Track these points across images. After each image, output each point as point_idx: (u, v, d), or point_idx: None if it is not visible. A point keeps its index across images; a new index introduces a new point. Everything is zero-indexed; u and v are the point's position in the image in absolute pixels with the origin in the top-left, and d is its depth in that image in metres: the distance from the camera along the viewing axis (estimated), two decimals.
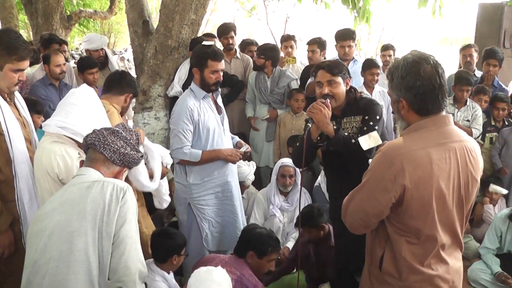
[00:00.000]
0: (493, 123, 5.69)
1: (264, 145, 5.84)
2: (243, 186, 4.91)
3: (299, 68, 6.52)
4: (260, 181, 5.87)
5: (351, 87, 3.51)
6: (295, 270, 4.60)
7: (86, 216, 2.20)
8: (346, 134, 3.37)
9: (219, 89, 4.16)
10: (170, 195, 3.83)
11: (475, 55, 6.33)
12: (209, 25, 20.31)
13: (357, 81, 5.57)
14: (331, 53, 6.51)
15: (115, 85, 3.70)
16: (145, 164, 3.22)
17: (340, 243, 3.82)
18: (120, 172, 2.53)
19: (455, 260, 2.32)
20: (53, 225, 2.22)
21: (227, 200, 4.23)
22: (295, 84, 5.79)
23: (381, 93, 5.60)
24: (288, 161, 4.94)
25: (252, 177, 4.90)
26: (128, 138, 2.53)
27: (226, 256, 3.71)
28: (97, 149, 2.42)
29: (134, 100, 5.50)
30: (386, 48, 7.50)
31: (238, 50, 6.48)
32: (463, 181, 2.19)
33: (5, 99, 3.10)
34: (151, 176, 3.24)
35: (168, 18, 5.20)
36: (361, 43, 16.26)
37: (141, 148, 2.79)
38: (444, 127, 2.17)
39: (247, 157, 4.47)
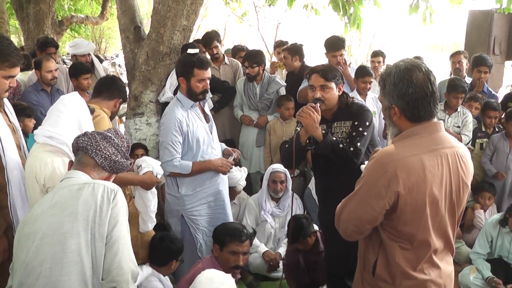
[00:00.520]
0: (483, 129, 5.74)
1: (254, 150, 5.85)
2: (234, 191, 4.90)
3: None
4: (251, 186, 5.87)
5: (343, 92, 3.55)
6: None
7: (78, 218, 2.21)
8: (334, 138, 3.40)
9: (206, 97, 4.11)
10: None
11: (465, 62, 6.41)
12: (200, 30, 20.33)
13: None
14: (321, 61, 6.52)
15: (105, 90, 3.74)
16: None
17: (329, 247, 3.84)
18: (109, 177, 2.55)
19: (446, 264, 2.34)
20: (45, 227, 2.22)
21: (220, 209, 4.21)
22: (283, 91, 5.80)
23: (373, 99, 5.63)
24: (279, 167, 4.94)
25: (243, 183, 4.90)
26: (120, 145, 2.53)
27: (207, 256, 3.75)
28: (89, 154, 2.43)
29: (125, 105, 5.54)
30: (376, 54, 7.54)
31: (226, 56, 6.47)
32: (454, 187, 2.22)
33: None
34: None
35: (160, 24, 5.19)
36: (352, 49, 16.33)
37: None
38: (435, 134, 2.19)
39: (236, 162, 4.46)
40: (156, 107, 5.40)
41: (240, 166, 5.05)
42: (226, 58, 6.31)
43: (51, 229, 2.21)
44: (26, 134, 4.29)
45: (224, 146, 4.36)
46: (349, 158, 3.36)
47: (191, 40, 5.81)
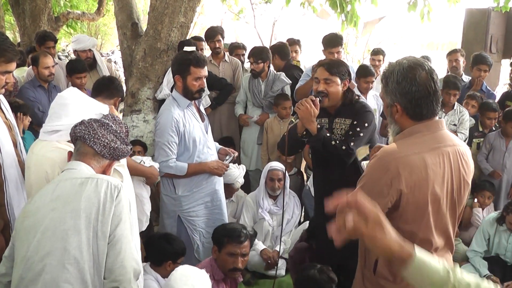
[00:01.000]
0: (480, 128, 5.74)
1: (255, 148, 5.84)
2: (232, 188, 4.90)
3: None
4: (249, 184, 5.86)
5: (348, 88, 3.54)
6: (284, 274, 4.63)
7: (80, 214, 2.19)
8: (328, 135, 3.41)
9: (203, 95, 4.07)
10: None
11: (462, 60, 6.41)
12: (196, 27, 20.28)
13: None
14: (318, 58, 6.51)
15: (105, 89, 3.77)
16: None
17: (322, 241, 3.78)
18: (110, 165, 2.52)
19: (446, 262, 2.34)
20: (47, 222, 2.20)
21: (217, 209, 4.18)
22: (288, 89, 5.79)
23: (374, 97, 5.64)
24: (277, 164, 4.94)
25: (241, 180, 4.88)
26: (118, 132, 2.50)
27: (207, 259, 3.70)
28: (87, 143, 2.39)
29: (122, 102, 5.50)
30: (376, 52, 7.53)
31: (227, 54, 6.46)
32: (456, 185, 2.22)
33: None
34: None
35: (157, 21, 5.17)
36: (348, 47, 16.33)
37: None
38: (437, 132, 2.20)
39: (235, 160, 4.44)
40: (153, 104, 5.38)
41: (239, 164, 5.04)
42: (226, 55, 6.30)
43: (53, 224, 2.19)
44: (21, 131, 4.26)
45: (218, 145, 4.33)
46: (339, 155, 3.38)
47: (187, 37, 5.79)
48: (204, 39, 6.41)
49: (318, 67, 3.57)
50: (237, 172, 4.74)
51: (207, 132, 4.07)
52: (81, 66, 5.52)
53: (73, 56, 8.02)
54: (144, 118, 5.33)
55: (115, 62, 17.27)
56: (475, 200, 5.42)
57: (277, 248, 4.79)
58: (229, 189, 4.80)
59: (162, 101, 5.00)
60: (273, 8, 17.75)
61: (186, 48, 3.94)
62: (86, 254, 2.17)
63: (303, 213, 5.47)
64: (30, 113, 4.68)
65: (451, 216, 2.27)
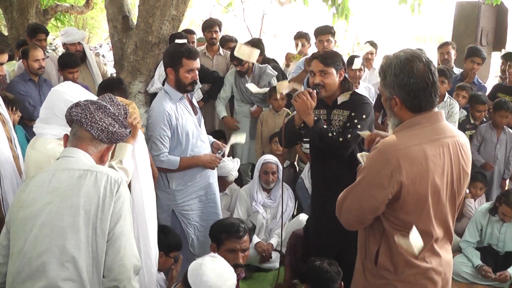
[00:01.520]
0: (472, 121, 5.78)
1: (247, 141, 5.79)
2: (226, 181, 4.89)
3: None
4: (240, 177, 5.83)
5: (345, 78, 3.54)
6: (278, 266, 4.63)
7: (79, 211, 2.13)
8: (325, 127, 3.41)
9: (194, 89, 4.01)
10: None
11: (453, 53, 6.44)
12: (185, 21, 20.18)
13: None
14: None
15: (115, 89, 3.70)
16: None
17: (319, 233, 3.78)
18: (108, 149, 2.43)
19: (446, 253, 2.37)
20: (44, 216, 2.14)
21: (211, 203, 4.14)
22: (275, 81, 5.76)
23: (366, 88, 5.64)
24: (270, 158, 4.94)
25: (236, 173, 4.87)
26: (117, 114, 2.38)
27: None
28: (84, 127, 2.27)
29: None
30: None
31: (221, 48, 6.42)
32: (455, 176, 2.24)
33: None
34: None
35: (149, 14, 5.13)
36: (338, 40, 16.33)
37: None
38: (437, 123, 2.21)
39: (229, 153, 4.42)
40: (145, 98, 5.34)
41: (234, 157, 5.02)
42: (221, 49, 6.27)
43: (50, 220, 2.13)
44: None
45: (211, 138, 4.30)
46: (336, 147, 3.37)
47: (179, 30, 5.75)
48: (194, 32, 6.38)
49: (311, 60, 3.56)
50: (231, 165, 4.73)
51: (200, 125, 4.03)
52: (73, 61, 5.46)
53: (61, 49, 7.94)
54: None
55: (103, 56, 17.16)
56: (467, 191, 5.45)
57: (271, 241, 4.80)
58: (223, 182, 4.78)
59: (154, 95, 4.97)
60: (262, 1, 17.70)
61: (178, 41, 3.91)
62: (85, 252, 2.12)
63: (296, 206, 5.47)
64: (21, 108, 4.59)
65: (451, 207, 2.29)
